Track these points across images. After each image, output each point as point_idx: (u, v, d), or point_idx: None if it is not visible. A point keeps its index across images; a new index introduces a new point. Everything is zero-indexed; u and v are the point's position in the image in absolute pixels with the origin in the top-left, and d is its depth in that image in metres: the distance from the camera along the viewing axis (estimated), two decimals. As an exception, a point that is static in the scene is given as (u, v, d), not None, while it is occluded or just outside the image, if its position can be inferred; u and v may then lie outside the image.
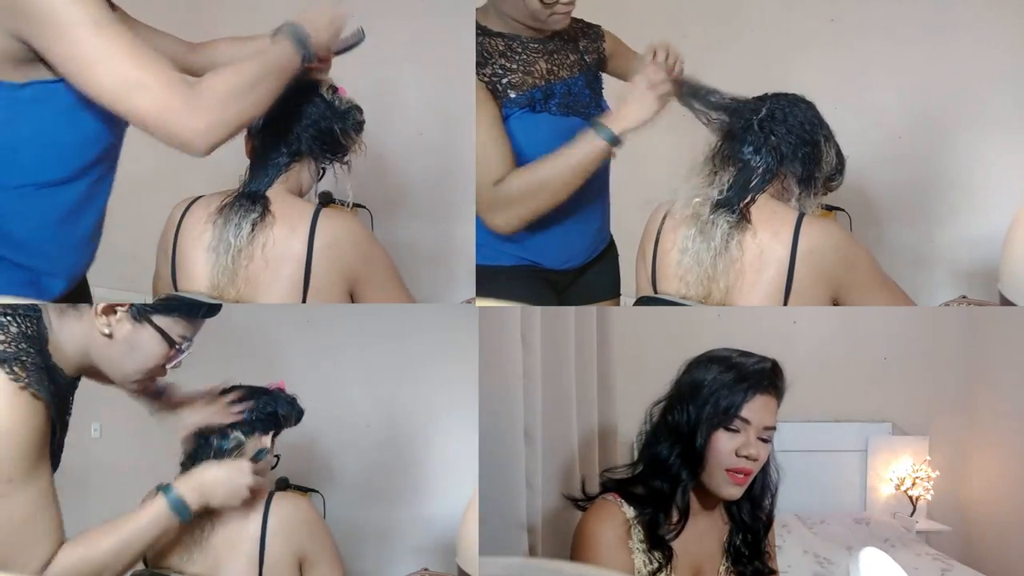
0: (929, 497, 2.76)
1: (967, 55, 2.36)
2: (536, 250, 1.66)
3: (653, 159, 1.94)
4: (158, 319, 1.23)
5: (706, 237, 1.41)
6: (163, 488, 1.28)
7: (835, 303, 1.41)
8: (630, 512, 1.29)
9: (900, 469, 2.78)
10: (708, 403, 1.25)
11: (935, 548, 2.59)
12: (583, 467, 1.76)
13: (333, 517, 2.27)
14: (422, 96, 2.53)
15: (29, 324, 1.18)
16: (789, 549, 2.41)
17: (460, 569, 1.33)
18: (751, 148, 1.44)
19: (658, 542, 1.26)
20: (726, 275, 1.40)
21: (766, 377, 1.27)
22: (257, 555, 1.35)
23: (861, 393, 2.85)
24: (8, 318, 1.18)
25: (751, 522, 1.32)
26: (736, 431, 1.24)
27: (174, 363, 1.28)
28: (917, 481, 2.74)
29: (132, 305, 1.23)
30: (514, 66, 1.59)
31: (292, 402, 1.55)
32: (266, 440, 1.50)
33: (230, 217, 1.36)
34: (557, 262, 1.68)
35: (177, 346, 1.25)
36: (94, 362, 1.24)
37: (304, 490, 2.26)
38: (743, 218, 1.40)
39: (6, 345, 1.15)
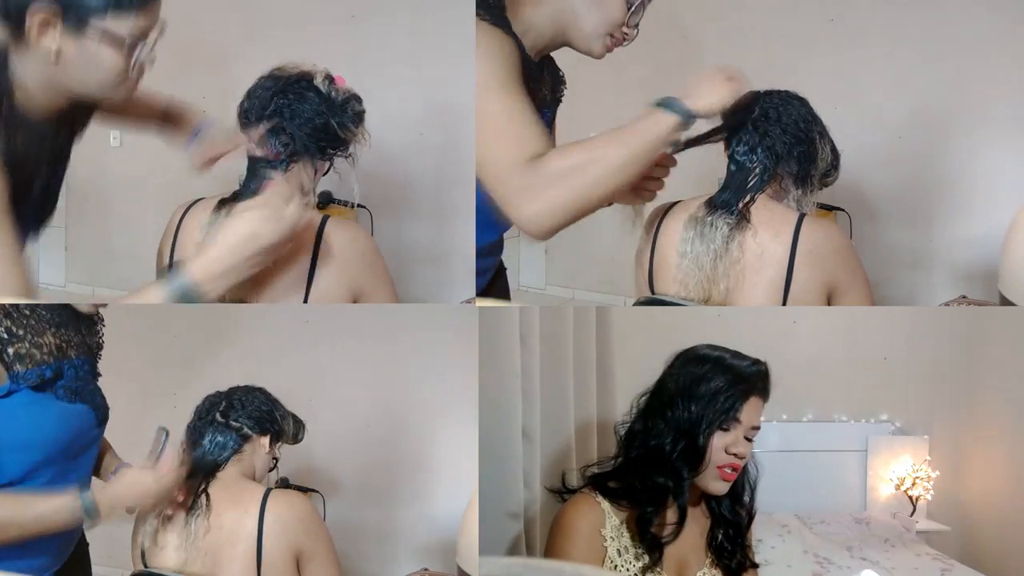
0: (929, 497, 2.75)
1: (967, 55, 2.36)
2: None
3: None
4: (96, 23, 1.17)
5: (705, 240, 1.40)
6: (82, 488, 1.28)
7: (829, 303, 1.41)
8: (605, 505, 1.31)
9: (900, 469, 2.78)
10: (708, 403, 1.28)
11: (935, 548, 2.59)
12: (581, 467, 1.76)
13: (333, 517, 2.27)
14: (422, 96, 2.53)
15: None
16: (789, 549, 2.41)
17: (460, 569, 1.33)
18: (746, 148, 1.44)
19: (650, 540, 1.27)
20: (726, 277, 1.40)
21: (761, 380, 1.31)
22: (255, 552, 1.35)
23: (861, 393, 2.84)
24: None
25: (732, 517, 1.36)
26: (728, 430, 1.28)
27: (136, 62, 1.22)
28: (917, 481, 2.73)
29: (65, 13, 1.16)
30: None
31: (296, 419, 1.56)
32: (264, 442, 1.51)
33: None
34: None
35: (129, 44, 1.19)
36: (65, 88, 1.22)
37: (304, 490, 2.26)
38: (743, 218, 1.41)
39: None
